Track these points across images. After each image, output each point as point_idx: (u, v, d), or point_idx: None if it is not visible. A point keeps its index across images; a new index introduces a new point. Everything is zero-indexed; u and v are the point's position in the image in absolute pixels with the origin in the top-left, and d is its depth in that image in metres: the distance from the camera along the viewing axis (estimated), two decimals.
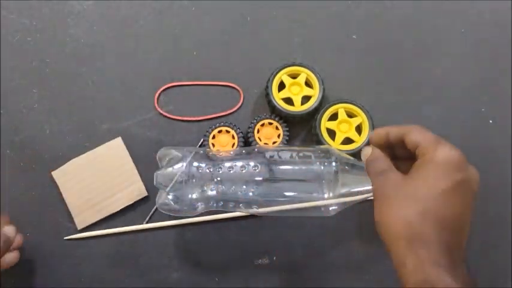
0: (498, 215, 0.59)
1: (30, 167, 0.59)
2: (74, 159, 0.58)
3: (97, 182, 0.58)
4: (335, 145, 0.57)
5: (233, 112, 0.61)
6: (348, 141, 0.58)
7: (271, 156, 0.52)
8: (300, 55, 0.62)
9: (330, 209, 0.52)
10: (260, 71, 0.60)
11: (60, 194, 0.58)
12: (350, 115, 0.58)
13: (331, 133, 0.58)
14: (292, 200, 0.53)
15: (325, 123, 0.58)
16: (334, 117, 0.58)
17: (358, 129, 0.58)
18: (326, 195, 0.52)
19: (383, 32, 0.63)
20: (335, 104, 0.58)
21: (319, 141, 0.57)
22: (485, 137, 0.61)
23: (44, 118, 0.60)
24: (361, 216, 0.58)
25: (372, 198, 0.43)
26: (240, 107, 0.61)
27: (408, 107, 0.61)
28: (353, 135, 0.58)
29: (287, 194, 0.52)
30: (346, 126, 0.58)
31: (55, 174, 0.58)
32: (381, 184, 0.40)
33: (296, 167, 0.53)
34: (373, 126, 0.57)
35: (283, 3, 0.63)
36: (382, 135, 0.42)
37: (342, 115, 0.58)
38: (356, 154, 0.56)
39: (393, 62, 0.62)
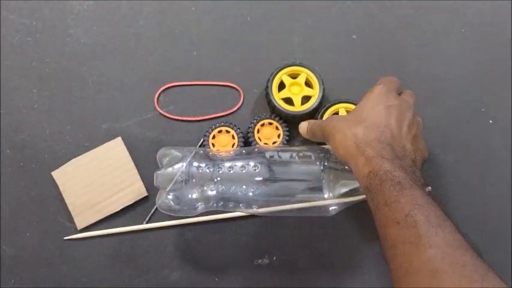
0: (498, 215, 0.59)
1: (30, 167, 0.59)
2: (74, 159, 0.58)
3: (97, 182, 0.58)
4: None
5: (233, 112, 0.61)
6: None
7: (271, 156, 0.53)
8: (300, 55, 0.62)
9: (330, 208, 0.52)
10: (260, 71, 0.60)
11: (60, 194, 0.58)
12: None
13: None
14: (292, 200, 0.53)
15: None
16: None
17: None
18: (326, 195, 0.52)
19: (383, 32, 0.63)
20: (335, 103, 0.58)
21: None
22: (485, 137, 0.61)
23: (44, 118, 0.60)
24: (361, 216, 0.58)
25: None
26: (240, 107, 0.61)
27: None
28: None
29: (287, 194, 0.52)
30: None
31: (55, 174, 0.58)
32: (329, 123, 0.50)
33: (296, 167, 0.53)
34: None
35: (283, 3, 0.63)
36: (304, 130, 0.55)
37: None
38: None
39: (393, 62, 0.62)
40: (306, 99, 0.58)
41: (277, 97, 0.58)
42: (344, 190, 0.52)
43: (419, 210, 0.39)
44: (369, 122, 0.46)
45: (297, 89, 0.59)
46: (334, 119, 0.50)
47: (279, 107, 0.57)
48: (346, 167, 0.52)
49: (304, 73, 0.58)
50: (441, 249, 0.37)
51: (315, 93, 0.58)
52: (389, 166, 0.42)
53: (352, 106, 0.58)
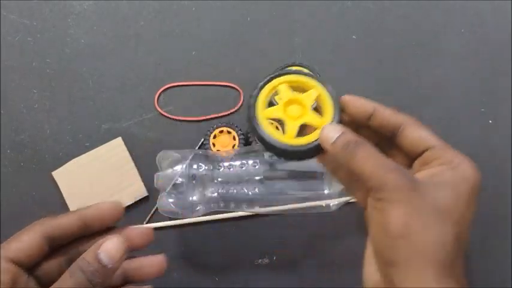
0: (498, 215, 0.59)
1: (30, 167, 0.59)
2: (74, 159, 0.58)
3: (97, 182, 0.58)
4: (287, 139, 0.39)
5: (233, 112, 0.61)
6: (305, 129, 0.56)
7: (271, 156, 0.53)
8: (300, 56, 0.62)
9: (331, 204, 0.53)
10: (260, 71, 0.60)
11: (60, 194, 0.58)
12: (296, 89, 0.55)
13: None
14: (293, 198, 0.53)
15: (264, 115, 0.46)
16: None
17: None
18: (326, 192, 0.52)
19: (383, 32, 0.63)
20: (281, 74, 0.40)
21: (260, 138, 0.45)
22: (485, 137, 0.61)
23: (44, 118, 0.60)
24: (361, 216, 0.58)
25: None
26: (240, 107, 0.61)
27: (408, 107, 0.61)
28: (311, 119, 0.56)
29: (288, 191, 0.53)
30: (296, 109, 0.47)
31: (55, 174, 0.58)
32: (384, 179, 0.30)
33: (296, 164, 0.53)
34: None
35: (283, 3, 0.63)
36: (366, 110, 0.34)
37: (284, 92, 0.39)
38: None
39: (393, 62, 0.62)
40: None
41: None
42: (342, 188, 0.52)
43: None
44: (463, 233, 0.30)
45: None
46: (401, 192, 0.30)
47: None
48: None
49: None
50: None
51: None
52: None
53: (304, 79, 0.38)
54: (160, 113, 0.60)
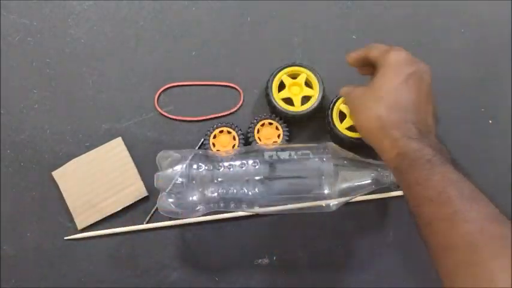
0: None
1: (30, 167, 0.59)
2: (74, 159, 0.58)
3: (97, 182, 0.58)
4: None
5: (233, 112, 0.61)
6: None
7: (271, 156, 0.53)
8: (300, 55, 0.62)
9: (331, 204, 0.52)
10: (260, 71, 0.60)
11: (60, 194, 0.58)
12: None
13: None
14: (292, 197, 0.53)
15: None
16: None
17: None
18: (326, 191, 0.52)
19: (383, 32, 0.63)
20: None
21: (335, 134, 0.57)
22: (485, 137, 0.61)
23: (44, 118, 0.60)
24: (361, 216, 0.58)
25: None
26: (240, 107, 0.61)
27: None
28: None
29: (287, 191, 0.52)
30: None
31: (55, 174, 0.58)
32: (351, 100, 0.49)
33: (295, 165, 0.53)
34: None
35: (283, 3, 0.63)
36: (355, 57, 0.51)
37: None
38: None
39: None
40: (306, 99, 0.58)
41: (277, 97, 0.58)
42: (345, 185, 0.52)
43: (452, 186, 0.39)
44: (390, 100, 0.45)
45: (297, 89, 0.59)
46: (355, 95, 0.48)
47: (279, 107, 0.57)
48: (345, 162, 0.52)
49: (304, 73, 0.58)
50: (478, 222, 0.37)
51: (315, 94, 0.58)
52: (417, 145, 0.42)
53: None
54: (160, 113, 0.60)
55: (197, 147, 0.59)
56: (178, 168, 0.51)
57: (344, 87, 0.52)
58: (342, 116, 0.58)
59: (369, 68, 0.50)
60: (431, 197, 0.39)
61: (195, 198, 0.51)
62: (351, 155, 0.54)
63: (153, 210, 0.58)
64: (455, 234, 0.37)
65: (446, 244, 0.38)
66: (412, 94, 0.45)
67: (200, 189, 0.51)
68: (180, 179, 0.50)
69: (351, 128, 0.56)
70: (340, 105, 0.57)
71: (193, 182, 0.51)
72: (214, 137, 0.58)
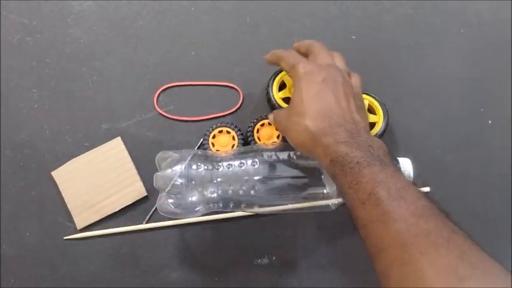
0: (498, 215, 0.59)
1: (29, 167, 0.59)
2: (73, 159, 0.58)
3: (97, 182, 0.58)
4: None
5: (233, 112, 0.61)
6: (370, 126, 0.58)
7: (270, 156, 0.53)
8: None
9: (331, 204, 0.52)
10: (259, 71, 0.60)
11: (60, 194, 0.58)
12: None
13: None
14: (292, 198, 0.53)
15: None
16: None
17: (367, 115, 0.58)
18: (326, 191, 0.52)
19: (382, 32, 0.63)
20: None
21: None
22: (485, 137, 0.61)
23: (43, 118, 0.60)
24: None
25: None
26: (240, 107, 0.61)
27: (408, 106, 0.61)
28: (371, 118, 0.58)
29: (287, 191, 0.52)
30: None
31: (55, 174, 0.58)
32: (278, 122, 0.51)
33: (295, 164, 0.53)
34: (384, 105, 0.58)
35: (282, 3, 0.63)
36: (270, 61, 0.53)
37: None
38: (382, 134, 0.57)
39: (393, 62, 0.62)
40: None
41: (278, 96, 0.58)
42: None
43: (380, 187, 0.40)
44: (312, 111, 0.46)
45: None
46: (281, 116, 0.50)
47: (279, 107, 0.57)
48: None
49: None
50: (406, 221, 0.38)
51: None
52: (346, 149, 0.43)
53: None
54: (159, 113, 0.60)
55: (196, 147, 0.59)
56: (178, 168, 0.51)
57: (270, 114, 0.53)
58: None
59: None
60: (363, 199, 0.40)
61: (194, 198, 0.51)
62: None
63: (153, 210, 0.58)
64: (386, 235, 0.38)
65: (379, 245, 0.39)
66: (330, 98, 0.46)
67: (199, 190, 0.51)
68: (179, 180, 0.50)
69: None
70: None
71: (193, 182, 0.51)
72: (214, 137, 0.58)
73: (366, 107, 0.58)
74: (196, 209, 0.51)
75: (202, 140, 0.59)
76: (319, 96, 0.46)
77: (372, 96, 0.58)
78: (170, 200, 0.51)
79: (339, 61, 0.51)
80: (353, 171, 0.41)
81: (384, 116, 0.57)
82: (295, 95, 0.48)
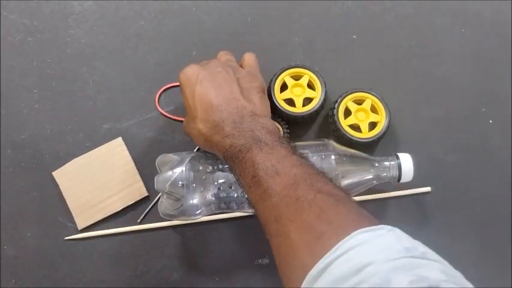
0: (498, 215, 0.59)
1: (30, 167, 0.59)
2: (74, 159, 0.58)
3: (97, 182, 0.58)
4: (364, 134, 0.57)
5: None
6: (372, 125, 0.58)
7: None
8: (300, 55, 0.62)
9: None
10: (261, 72, 0.60)
11: (61, 194, 0.58)
12: (357, 103, 0.58)
13: (356, 128, 0.58)
14: None
15: (345, 124, 0.57)
16: (347, 113, 0.58)
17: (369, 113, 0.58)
18: None
19: (383, 32, 0.63)
20: (337, 101, 0.58)
21: (348, 139, 0.57)
22: (485, 137, 0.61)
23: (44, 118, 0.60)
24: None
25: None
26: None
27: (408, 107, 0.61)
28: (374, 117, 0.58)
29: None
30: (362, 114, 0.58)
31: (56, 174, 0.58)
32: (185, 130, 0.53)
33: None
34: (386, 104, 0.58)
35: (283, 3, 0.63)
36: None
37: (352, 107, 0.58)
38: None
39: (393, 62, 0.62)
40: (307, 100, 0.58)
41: (279, 98, 0.58)
42: (345, 182, 0.52)
43: (258, 169, 0.42)
44: (200, 114, 0.48)
45: (299, 90, 0.59)
46: (184, 124, 0.53)
47: (281, 108, 0.57)
48: (345, 158, 0.52)
49: (307, 75, 0.58)
50: (279, 194, 0.40)
51: (317, 96, 0.58)
52: (230, 141, 0.45)
53: (355, 94, 0.58)
54: (160, 113, 0.60)
55: (196, 149, 0.59)
56: (178, 170, 0.51)
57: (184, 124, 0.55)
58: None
59: None
60: (248, 184, 0.43)
61: (195, 200, 0.50)
62: (350, 151, 0.54)
63: (148, 209, 0.58)
64: (266, 211, 0.41)
65: (262, 222, 0.42)
66: (211, 94, 0.48)
67: (200, 191, 0.51)
68: (180, 182, 0.50)
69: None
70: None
71: (193, 184, 0.50)
72: None
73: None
74: (198, 211, 0.51)
75: None
76: (200, 96, 0.48)
77: (375, 96, 0.58)
78: (171, 203, 0.51)
79: (223, 55, 0.54)
80: (239, 160, 0.44)
81: (386, 115, 0.57)
82: (184, 101, 0.50)
